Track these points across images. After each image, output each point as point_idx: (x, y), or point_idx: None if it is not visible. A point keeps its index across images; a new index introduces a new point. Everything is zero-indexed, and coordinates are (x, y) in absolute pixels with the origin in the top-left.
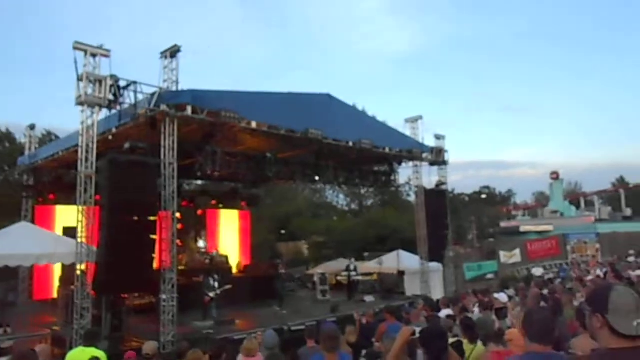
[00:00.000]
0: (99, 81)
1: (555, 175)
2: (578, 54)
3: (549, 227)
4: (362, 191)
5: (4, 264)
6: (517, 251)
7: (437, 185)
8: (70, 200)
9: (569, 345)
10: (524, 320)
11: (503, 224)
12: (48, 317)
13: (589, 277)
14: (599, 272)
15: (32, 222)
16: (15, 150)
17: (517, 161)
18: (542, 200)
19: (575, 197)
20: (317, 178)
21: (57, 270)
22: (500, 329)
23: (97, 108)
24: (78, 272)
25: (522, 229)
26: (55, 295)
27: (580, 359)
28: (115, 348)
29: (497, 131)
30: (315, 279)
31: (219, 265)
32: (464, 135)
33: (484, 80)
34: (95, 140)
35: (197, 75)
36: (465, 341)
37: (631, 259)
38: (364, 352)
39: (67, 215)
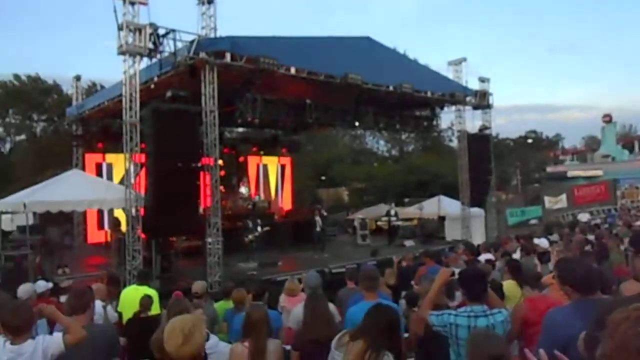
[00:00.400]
0: (138, 30)
1: (607, 118)
2: None
3: (599, 172)
4: (403, 137)
5: (59, 209)
6: (563, 196)
7: (480, 130)
8: (117, 148)
9: (616, 290)
10: (564, 275)
11: (549, 169)
12: (102, 259)
13: (638, 222)
14: None
15: (83, 169)
16: (63, 102)
17: (566, 104)
18: (592, 144)
19: (629, 141)
20: (357, 124)
21: (108, 215)
22: (539, 274)
23: (138, 57)
24: (128, 217)
25: (570, 174)
26: (107, 238)
27: (626, 299)
28: (165, 287)
29: (545, 73)
30: (356, 223)
31: (261, 211)
32: (509, 78)
33: (531, 19)
34: (138, 90)
35: (235, 21)
36: (512, 283)
37: None
38: (403, 293)
39: (115, 162)
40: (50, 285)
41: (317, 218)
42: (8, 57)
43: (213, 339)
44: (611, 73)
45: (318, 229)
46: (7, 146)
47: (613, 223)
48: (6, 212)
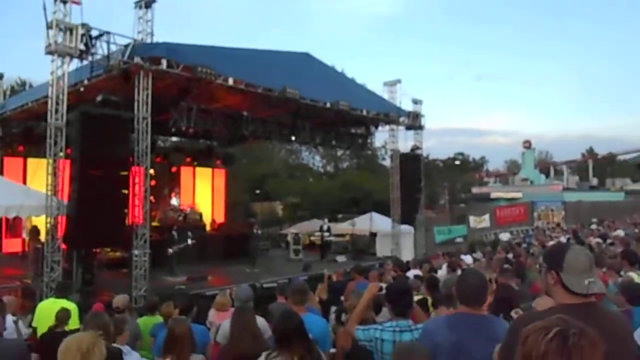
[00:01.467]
0: (69, 30)
1: (527, 144)
2: (553, 21)
3: (519, 194)
4: (338, 153)
5: None
6: (487, 216)
7: (412, 150)
8: (40, 152)
9: (530, 305)
10: (457, 282)
11: (475, 190)
12: (17, 270)
13: (551, 243)
14: (562, 238)
15: (1, 174)
16: None
17: (491, 129)
18: (513, 168)
19: (545, 166)
20: (293, 138)
21: (26, 224)
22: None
23: (67, 58)
24: (48, 226)
25: (493, 195)
26: (24, 248)
27: (538, 313)
28: (87, 301)
29: (473, 98)
30: (289, 238)
31: (193, 223)
32: (440, 101)
33: (462, 47)
34: (65, 92)
35: (173, 28)
36: (430, 299)
37: (593, 226)
38: (333, 308)
39: (36, 167)
40: None
41: (254, 231)
42: None
43: (134, 355)
44: (531, 101)
45: (254, 242)
46: None
47: (530, 243)
48: None
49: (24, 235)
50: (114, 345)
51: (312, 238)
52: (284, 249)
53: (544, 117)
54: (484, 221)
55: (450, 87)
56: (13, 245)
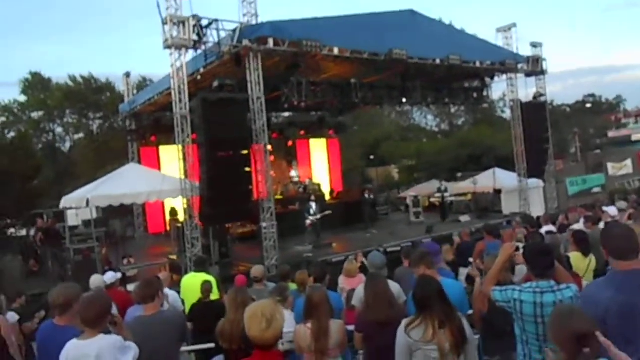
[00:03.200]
0: (182, 22)
1: None
2: None
3: None
4: (452, 110)
5: (119, 202)
6: (629, 162)
7: (534, 98)
8: (170, 140)
9: None
10: (602, 237)
11: (611, 134)
12: (164, 248)
13: None
14: None
15: (139, 163)
16: (116, 99)
17: (627, 63)
18: None
19: None
20: (404, 100)
21: (167, 205)
22: None
23: (183, 50)
24: (185, 206)
25: (635, 137)
26: (167, 227)
27: None
28: (225, 273)
29: (602, 33)
30: (408, 201)
31: (313, 193)
32: (563, 41)
33: None
34: (185, 82)
35: (276, 5)
36: (578, 255)
37: None
38: (461, 270)
39: (169, 154)
40: (119, 275)
41: (366, 197)
42: (63, 60)
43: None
44: None
45: (367, 207)
46: (67, 145)
47: None
48: (71, 208)
49: (166, 216)
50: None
51: (431, 200)
52: (404, 212)
53: None
54: (626, 167)
55: (574, 23)
56: (158, 226)
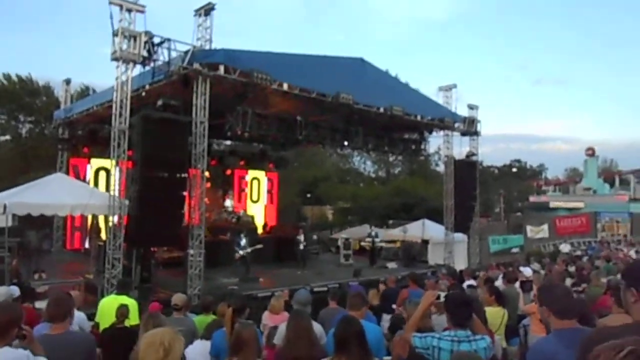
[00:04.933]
0: (133, 37)
1: (590, 152)
2: (617, 25)
3: (580, 204)
4: (390, 159)
5: (40, 212)
6: (545, 226)
7: (467, 156)
8: (103, 154)
9: (596, 325)
10: (543, 297)
11: (532, 199)
12: (80, 266)
13: (619, 256)
14: (631, 252)
15: (67, 173)
16: (52, 104)
17: (550, 135)
18: (574, 176)
19: (610, 175)
20: (346, 143)
21: (89, 222)
22: None
23: (131, 64)
24: (110, 224)
25: (552, 204)
26: (87, 245)
27: (613, 329)
28: (144, 298)
29: (532, 103)
30: (339, 243)
31: (245, 225)
32: (496, 106)
33: (520, 50)
34: (129, 96)
35: (231, 34)
36: (494, 309)
37: None
38: (384, 315)
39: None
40: (17, 292)
41: (300, 236)
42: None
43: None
44: (595, 106)
45: (301, 246)
46: None
47: (593, 255)
48: None
49: (87, 233)
50: None
51: (362, 243)
52: (334, 253)
53: (608, 124)
54: (542, 231)
55: (507, 91)
56: (76, 242)
